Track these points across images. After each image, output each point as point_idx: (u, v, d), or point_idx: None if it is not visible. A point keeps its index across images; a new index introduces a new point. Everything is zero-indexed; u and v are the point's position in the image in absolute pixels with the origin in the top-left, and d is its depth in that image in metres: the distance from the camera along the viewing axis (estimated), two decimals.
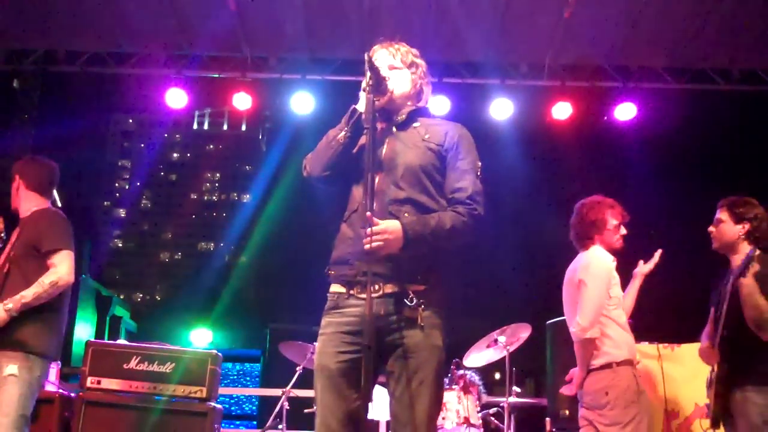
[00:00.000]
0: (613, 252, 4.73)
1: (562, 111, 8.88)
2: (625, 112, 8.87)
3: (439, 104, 8.68)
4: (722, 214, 4.51)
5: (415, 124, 3.32)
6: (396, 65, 3.35)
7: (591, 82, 9.03)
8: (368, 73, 3.03)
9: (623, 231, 4.79)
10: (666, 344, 5.95)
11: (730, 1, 7.90)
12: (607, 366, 4.43)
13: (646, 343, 5.92)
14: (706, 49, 8.62)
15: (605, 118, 9.15)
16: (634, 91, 8.89)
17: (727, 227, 4.48)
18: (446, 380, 6.38)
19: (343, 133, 3.15)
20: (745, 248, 4.30)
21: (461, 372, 6.45)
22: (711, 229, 4.56)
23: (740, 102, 9.32)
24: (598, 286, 4.50)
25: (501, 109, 8.88)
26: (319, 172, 3.23)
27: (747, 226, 4.41)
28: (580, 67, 9.02)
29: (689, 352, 5.83)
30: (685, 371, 5.76)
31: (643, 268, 5.04)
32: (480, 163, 3.28)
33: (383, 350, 3.03)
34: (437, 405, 3.10)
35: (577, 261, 4.74)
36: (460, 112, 8.94)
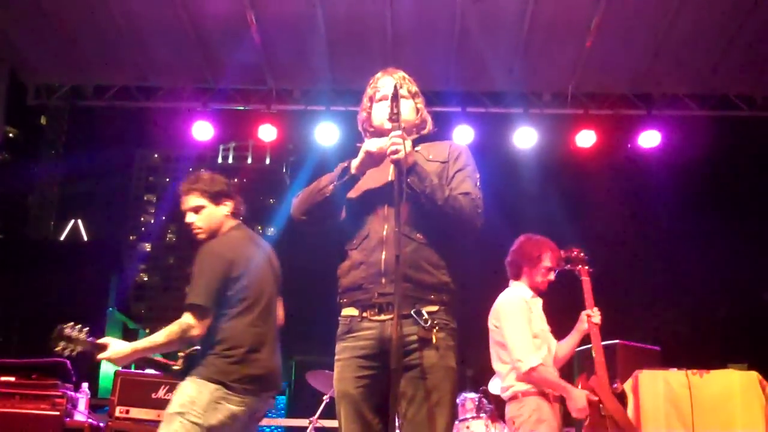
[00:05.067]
0: (538, 292, 4.76)
1: (586, 139, 8.89)
2: (649, 139, 8.88)
3: (463, 134, 8.71)
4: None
5: (416, 148, 3.27)
6: (403, 94, 3.27)
7: (614, 110, 9.05)
8: (392, 104, 3.00)
9: (552, 277, 4.79)
10: (695, 371, 5.87)
11: (752, 27, 7.92)
12: (514, 398, 4.52)
13: (675, 369, 5.86)
14: (729, 76, 8.63)
15: (629, 145, 9.15)
16: (658, 119, 8.90)
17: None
18: (473, 408, 6.35)
19: (331, 186, 3.13)
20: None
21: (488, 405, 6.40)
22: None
23: (765, 128, 9.27)
24: (516, 324, 4.53)
25: (525, 138, 8.90)
26: (298, 216, 3.23)
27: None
28: (603, 95, 9.05)
29: (718, 378, 5.77)
30: (714, 398, 5.69)
31: (582, 325, 4.75)
32: (478, 175, 3.26)
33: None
34: (451, 427, 3.06)
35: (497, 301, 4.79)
36: (484, 142, 8.96)
